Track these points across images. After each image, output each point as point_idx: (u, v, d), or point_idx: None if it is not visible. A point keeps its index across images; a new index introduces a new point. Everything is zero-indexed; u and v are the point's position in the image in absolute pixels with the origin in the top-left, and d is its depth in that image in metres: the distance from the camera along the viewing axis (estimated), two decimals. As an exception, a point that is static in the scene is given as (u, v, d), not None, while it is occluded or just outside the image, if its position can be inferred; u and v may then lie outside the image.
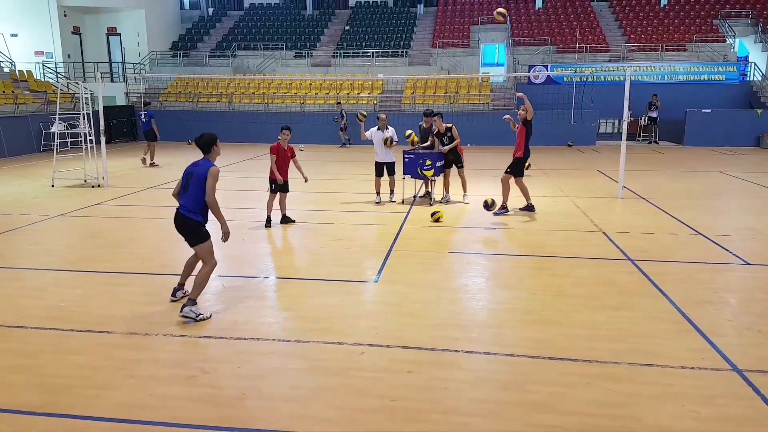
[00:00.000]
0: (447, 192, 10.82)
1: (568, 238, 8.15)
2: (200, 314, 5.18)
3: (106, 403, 3.86)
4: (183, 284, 5.74)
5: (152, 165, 16.11)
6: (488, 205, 9.11)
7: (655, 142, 21.96)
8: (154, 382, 4.13)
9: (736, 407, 3.79)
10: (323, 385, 4.08)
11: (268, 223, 8.79)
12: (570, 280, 6.36)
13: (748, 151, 19.49)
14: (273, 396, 3.97)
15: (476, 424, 3.62)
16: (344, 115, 21.50)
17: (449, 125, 10.40)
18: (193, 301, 5.19)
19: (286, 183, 8.78)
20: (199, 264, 5.44)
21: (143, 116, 16.28)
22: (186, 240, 5.29)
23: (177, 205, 5.34)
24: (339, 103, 22.20)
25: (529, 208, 9.73)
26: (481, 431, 3.55)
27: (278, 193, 8.83)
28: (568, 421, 3.63)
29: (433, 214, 9.16)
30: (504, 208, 9.56)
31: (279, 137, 8.66)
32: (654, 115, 21.76)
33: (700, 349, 4.62)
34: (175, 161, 17.08)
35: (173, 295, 5.68)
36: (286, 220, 9.05)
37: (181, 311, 5.14)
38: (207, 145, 5.30)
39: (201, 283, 5.24)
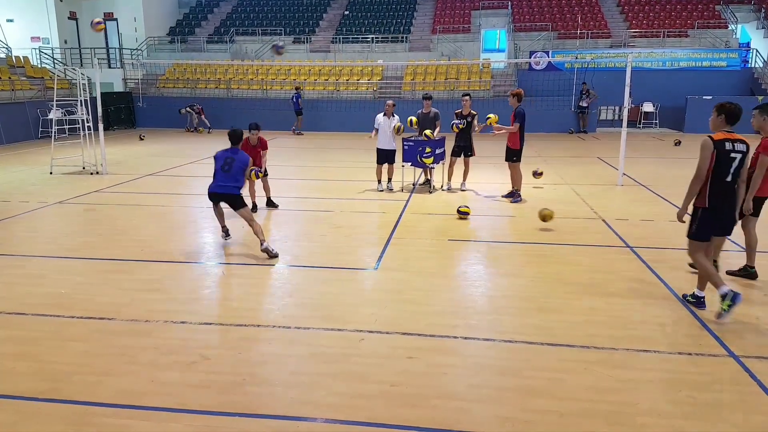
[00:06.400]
0: (449, 180, 10.74)
1: (567, 225, 8.15)
2: (274, 250, 6.70)
3: (107, 389, 3.88)
4: (226, 226, 7.32)
5: (299, 134, 21.21)
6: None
7: (583, 131, 21.02)
8: (155, 369, 4.15)
9: (733, 393, 3.82)
10: (323, 372, 4.10)
11: (254, 208, 8.85)
12: (569, 267, 6.37)
13: (749, 138, 19.36)
14: (273, 382, 3.99)
15: (475, 410, 3.65)
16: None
17: (474, 112, 10.45)
18: (264, 242, 6.64)
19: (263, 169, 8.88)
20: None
21: (294, 98, 20.95)
22: (230, 206, 6.81)
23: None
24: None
25: (513, 194, 9.83)
26: (480, 416, 3.58)
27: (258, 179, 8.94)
28: (566, 407, 3.66)
29: (462, 213, 8.51)
30: (518, 195, 9.81)
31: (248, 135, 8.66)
32: (585, 104, 21.03)
33: (697, 336, 4.65)
34: (174, 148, 17.00)
35: (227, 234, 7.31)
36: (271, 203, 9.18)
37: (263, 248, 6.60)
38: (238, 138, 7.05)
39: (260, 230, 6.73)
